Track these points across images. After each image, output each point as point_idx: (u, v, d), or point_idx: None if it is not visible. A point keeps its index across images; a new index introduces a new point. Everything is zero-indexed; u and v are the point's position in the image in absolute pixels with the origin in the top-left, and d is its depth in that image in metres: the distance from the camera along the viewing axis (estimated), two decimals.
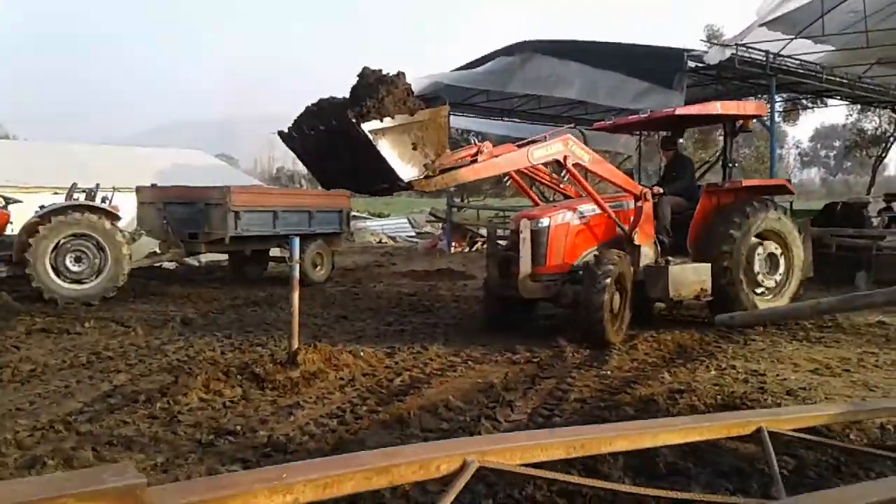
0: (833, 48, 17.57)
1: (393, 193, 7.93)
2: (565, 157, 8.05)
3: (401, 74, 6.74)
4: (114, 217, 11.18)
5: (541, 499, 3.47)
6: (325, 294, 12.30)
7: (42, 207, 11.05)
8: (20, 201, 11.60)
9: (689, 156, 10.17)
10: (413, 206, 43.20)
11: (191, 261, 15.27)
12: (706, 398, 5.41)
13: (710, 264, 8.72)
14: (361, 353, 7.13)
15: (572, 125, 21.45)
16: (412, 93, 6.83)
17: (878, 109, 26.02)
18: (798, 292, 9.48)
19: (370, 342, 8.06)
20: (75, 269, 10.65)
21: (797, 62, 16.27)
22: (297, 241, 6.75)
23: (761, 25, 15.16)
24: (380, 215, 36.65)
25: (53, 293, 10.41)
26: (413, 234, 29.01)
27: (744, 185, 9.62)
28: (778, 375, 6.40)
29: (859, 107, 26.43)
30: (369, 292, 12.68)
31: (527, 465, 1.90)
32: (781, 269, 9.33)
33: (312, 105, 6.88)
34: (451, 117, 21.53)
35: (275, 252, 14.21)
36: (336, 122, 6.47)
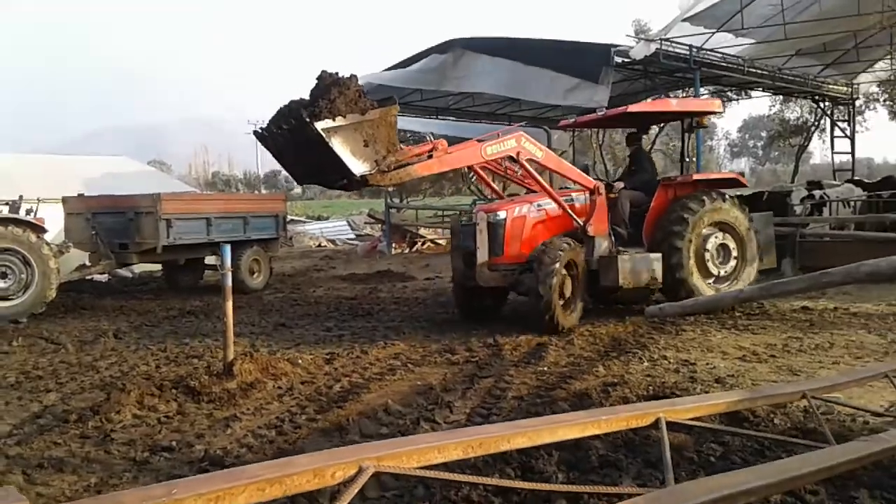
0: (754, 41, 18.15)
1: (353, 188, 8.28)
2: (518, 153, 8.44)
3: (353, 77, 7.16)
4: (39, 230, 10.85)
5: (477, 498, 3.52)
6: (262, 301, 12.17)
7: None
8: None
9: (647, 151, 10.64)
10: (352, 207, 43.00)
11: (123, 272, 14.94)
12: (638, 390, 5.56)
13: (660, 254, 9.14)
14: (300, 361, 7.11)
15: (523, 124, 21.72)
16: (364, 94, 7.22)
17: (798, 99, 26.94)
18: (753, 281, 9.77)
19: (309, 349, 8.02)
20: (2, 285, 10.31)
21: (720, 55, 16.77)
22: (228, 248, 6.66)
23: (684, 20, 15.57)
24: (319, 218, 36.35)
25: None
26: (353, 236, 28.88)
27: (696, 178, 10.07)
28: (707, 364, 6.61)
29: (781, 97, 27.31)
30: (308, 298, 12.59)
31: (424, 468, 1.94)
32: (733, 258, 9.72)
33: (284, 106, 7.19)
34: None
35: (210, 260, 13.99)
36: (294, 121, 6.92)
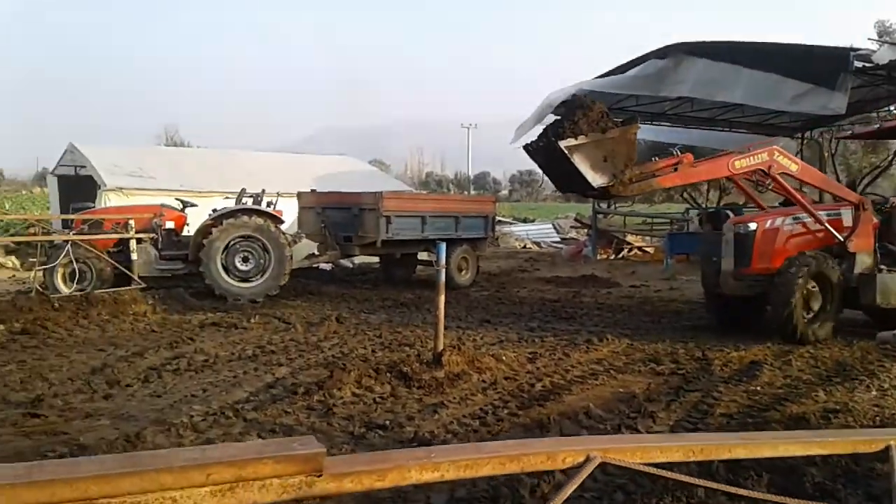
0: None
1: (600, 197, 9.87)
2: (770, 167, 8.47)
3: (596, 102, 8.10)
4: (278, 220, 12.02)
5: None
6: (469, 298, 12.59)
7: (214, 211, 12.05)
8: (195, 205, 12.67)
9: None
10: (558, 211, 43.00)
11: (345, 262, 16.07)
12: (864, 419, 5.18)
13: None
14: (504, 357, 7.32)
15: (744, 131, 20.73)
16: (607, 114, 8.03)
17: None
18: None
19: (512, 346, 8.22)
20: (243, 268, 11.54)
21: None
22: (443, 246, 7.03)
23: None
24: (525, 220, 36.75)
25: (223, 290, 11.33)
26: (558, 239, 28.88)
27: None
28: None
29: None
30: (513, 297, 12.84)
31: (646, 465, 2.01)
32: None
33: (546, 126, 8.51)
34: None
35: (422, 255, 14.71)
36: (545, 139, 7.99)
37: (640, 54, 18.28)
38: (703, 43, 17.16)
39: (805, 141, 24.32)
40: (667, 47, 17.53)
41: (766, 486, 3.81)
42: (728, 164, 8.59)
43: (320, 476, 1.55)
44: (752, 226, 9.08)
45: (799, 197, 9.13)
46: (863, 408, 5.57)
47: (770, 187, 9.04)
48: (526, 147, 8.40)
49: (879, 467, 4.03)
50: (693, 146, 21.88)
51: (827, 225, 8.92)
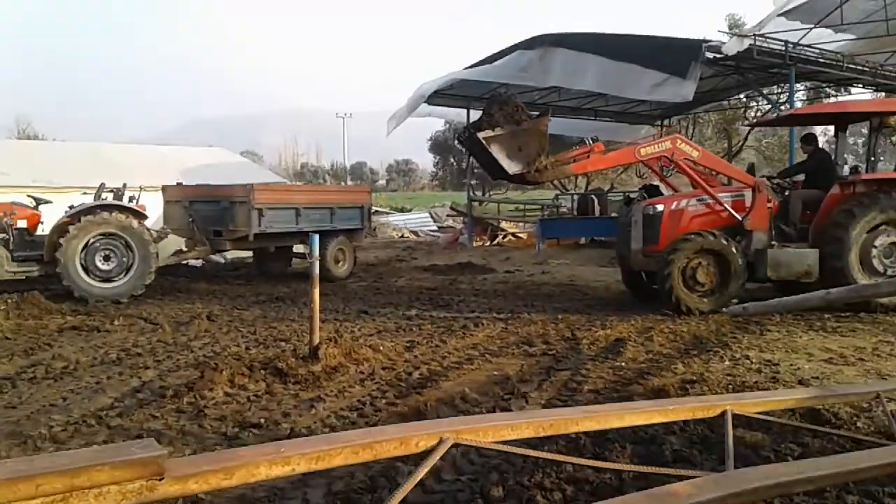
0: (854, 37, 17.43)
1: (519, 183, 10.53)
2: (673, 154, 9.57)
3: (512, 96, 9.54)
4: (141, 216, 11.46)
5: (549, 485, 3.61)
6: (346, 289, 12.51)
7: (71, 207, 11.33)
8: (50, 202, 11.88)
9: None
10: (435, 200, 43.36)
11: (216, 258, 15.57)
12: (717, 388, 5.53)
13: (817, 250, 9.39)
14: (381, 348, 7.32)
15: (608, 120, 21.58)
16: (522, 108, 9.04)
17: None
18: None
19: (390, 336, 8.24)
20: (104, 267, 10.93)
21: (817, 51, 16.17)
22: (317, 238, 6.94)
23: (780, 15, 15.11)
24: (402, 210, 36.85)
25: (84, 291, 10.70)
26: (435, 228, 29.17)
27: (871, 177, 9.82)
28: (791, 365, 6.49)
29: (883, 95, 26.09)
30: (390, 287, 12.86)
31: (499, 443, 2.07)
32: None
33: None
34: (473, 113, 21.71)
35: (298, 248, 14.46)
36: (466, 131, 9.18)
37: (509, 45, 18.70)
38: (569, 34, 17.74)
39: (664, 128, 25.61)
40: (534, 38, 18.01)
41: (629, 456, 4.01)
42: (635, 152, 9.78)
43: (161, 479, 1.49)
44: (660, 207, 9.88)
45: (699, 180, 9.90)
46: (717, 377, 5.96)
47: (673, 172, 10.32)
48: (458, 138, 9.49)
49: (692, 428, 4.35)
50: (561, 135, 22.66)
51: (726, 205, 9.69)
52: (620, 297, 11.08)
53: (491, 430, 2.00)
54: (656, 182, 12.29)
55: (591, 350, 7.33)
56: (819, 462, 2.90)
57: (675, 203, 9.93)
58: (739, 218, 9.63)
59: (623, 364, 6.66)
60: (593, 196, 21.07)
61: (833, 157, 10.38)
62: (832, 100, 23.31)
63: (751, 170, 10.36)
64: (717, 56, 14.93)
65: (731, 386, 5.61)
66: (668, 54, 15.33)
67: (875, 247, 9.37)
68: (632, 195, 14.31)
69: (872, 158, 10.26)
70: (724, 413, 2.49)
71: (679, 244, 9.31)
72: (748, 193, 9.80)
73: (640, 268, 10.24)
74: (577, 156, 9.46)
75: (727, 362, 6.64)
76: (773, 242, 9.64)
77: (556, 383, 6.10)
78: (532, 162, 8.92)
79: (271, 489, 3.86)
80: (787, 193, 10.20)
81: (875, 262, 9.38)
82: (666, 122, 26.27)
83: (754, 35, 14.66)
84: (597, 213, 19.97)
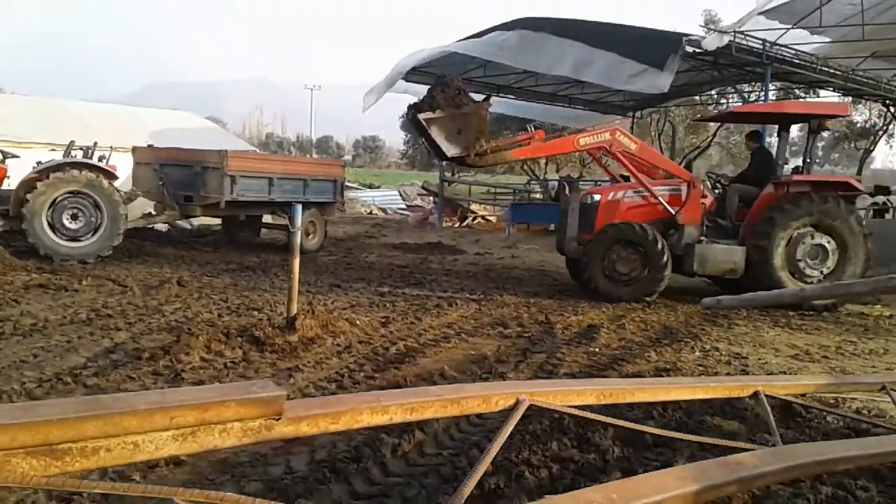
0: (830, 39, 17.74)
1: (462, 165, 10.49)
2: (611, 145, 9.70)
3: (454, 78, 9.27)
4: (111, 176, 11.23)
5: (536, 462, 3.67)
6: (317, 262, 12.44)
7: (39, 163, 11.07)
8: (17, 156, 11.57)
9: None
10: (403, 178, 43.20)
11: (183, 223, 15.36)
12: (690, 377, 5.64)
13: (743, 247, 9.57)
14: (357, 322, 7.31)
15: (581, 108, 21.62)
16: (464, 91, 9.08)
17: (868, 102, 26.29)
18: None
19: (364, 311, 8.23)
20: (72, 226, 10.70)
21: (793, 52, 16.44)
22: (299, 208, 6.89)
23: (760, 14, 15.29)
24: (370, 186, 36.67)
25: (49, 249, 10.47)
26: (404, 206, 29.11)
27: (802, 178, 9.97)
28: (760, 359, 6.65)
29: (850, 99, 26.68)
30: (361, 262, 12.83)
31: (567, 406, 2.14)
32: (831, 261, 9.58)
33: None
34: None
35: (267, 218, 14.32)
36: (410, 112, 9.01)
37: (488, 26, 18.63)
38: (549, 19, 17.75)
39: (636, 120, 25.84)
40: (514, 21, 17.96)
41: (611, 438, 4.08)
42: (574, 141, 9.92)
43: (279, 419, 1.53)
44: (597, 197, 10.19)
45: (635, 172, 10.06)
46: (689, 367, 6.09)
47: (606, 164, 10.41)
48: (405, 117, 9.32)
49: (709, 420, 4.44)
50: (535, 120, 22.72)
51: (660, 199, 9.88)
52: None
53: (560, 394, 2.07)
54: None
55: (565, 335, 7.42)
56: (862, 442, 3.11)
57: (612, 193, 10.18)
58: (673, 212, 9.82)
59: (597, 350, 6.76)
60: (565, 183, 21.22)
61: (774, 156, 10.56)
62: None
63: (689, 167, 10.78)
64: (696, 50, 15.07)
65: (702, 376, 5.74)
66: (648, 45, 15.43)
67: (801, 247, 9.52)
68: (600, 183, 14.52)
69: (808, 160, 10.44)
70: (756, 393, 2.62)
71: (599, 234, 9.65)
72: (684, 188, 9.98)
73: (573, 255, 10.34)
74: (518, 142, 9.63)
75: (698, 353, 6.79)
76: (702, 238, 9.75)
77: (532, 365, 6.16)
78: (471, 146, 9.00)
79: (253, 455, 3.83)
80: (723, 188, 10.51)
81: (800, 263, 9.54)
82: (638, 113, 26.51)
83: (734, 32, 14.82)
84: None
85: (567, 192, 19.98)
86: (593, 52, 16.08)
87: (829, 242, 9.55)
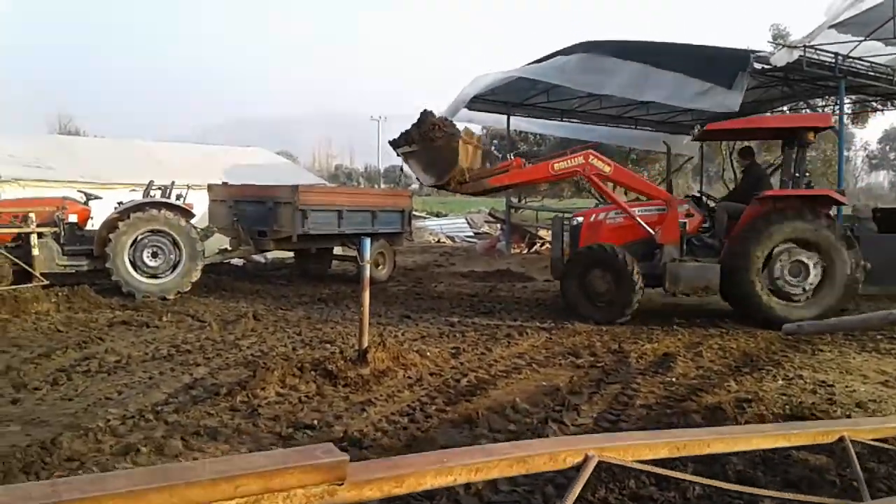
0: None
1: (441, 189, 10.79)
2: (584, 169, 10.02)
3: (429, 113, 9.83)
4: (188, 214, 11.62)
5: (613, 501, 3.59)
6: (387, 293, 12.55)
7: (121, 204, 11.53)
8: (100, 198, 12.09)
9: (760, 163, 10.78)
10: (469, 206, 43.31)
11: (257, 257, 15.72)
12: (774, 408, 5.45)
13: (718, 265, 9.56)
14: (428, 353, 7.33)
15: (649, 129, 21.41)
16: (437, 126, 9.62)
17: None
18: (845, 304, 9.50)
19: (435, 342, 8.25)
20: (152, 264, 11.09)
21: (867, 64, 15.88)
22: (367, 241, 6.96)
23: (831, 27, 14.84)
24: (437, 215, 36.90)
25: (131, 287, 10.87)
26: (471, 234, 29.14)
27: (768, 194, 9.77)
28: (847, 387, 6.37)
29: None
30: (431, 292, 12.88)
31: (638, 462, 2.08)
32: (812, 278, 9.35)
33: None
34: (512, 119, 21.68)
35: (338, 250, 14.55)
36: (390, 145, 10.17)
37: (549, 52, 18.61)
38: (610, 41, 17.62)
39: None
40: (575, 45, 17.89)
41: (691, 474, 3.96)
42: (549, 167, 10.22)
43: (342, 485, 1.54)
44: (579, 219, 10.66)
45: (611, 194, 10.77)
46: (772, 396, 5.87)
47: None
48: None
49: (794, 454, 4.27)
50: (600, 143, 22.52)
51: (639, 220, 10.09)
52: (663, 309, 10.96)
53: (631, 449, 2.02)
54: (696, 193, 12.29)
55: (639, 364, 7.26)
56: None
57: (594, 216, 10.56)
58: (652, 232, 9.96)
59: (674, 379, 6.59)
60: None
61: (766, 173, 10.46)
62: (879, 114, 22.91)
63: (670, 188, 10.75)
64: (765, 67, 14.71)
65: (787, 406, 5.52)
66: (712, 63, 15.13)
67: (779, 264, 9.34)
68: None
69: (797, 175, 10.00)
70: (841, 439, 2.49)
71: (575, 257, 10.02)
72: (664, 209, 10.11)
73: (556, 276, 10.68)
74: (497, 170, 10.23)
75: (780, 381, 6.54)
76: (674, 257, 9.79)
77: (606, 396, 6.05)
78: (443, 176, 9.77)
79: None
80: (713, 206, 10.50)
81: (779, 282, 9.36)
82: None
83: (804, 46, 14.42)
84: None
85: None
86: (657, 72, 15.86)
87: (809, 258, 9.31)
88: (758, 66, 14.55)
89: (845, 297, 9.43)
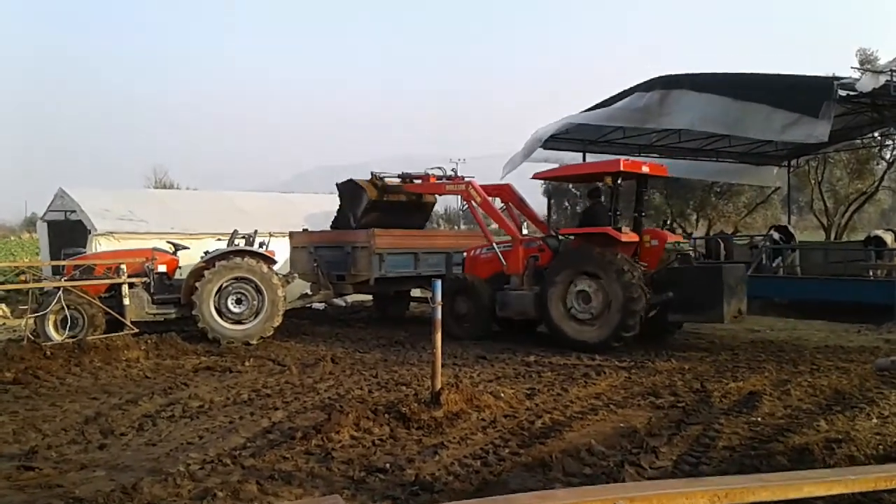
0: None
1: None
2: (467, 196, 12.39)
3: (373, 174, 13.62)
4: (270, 261, 11.95)
5: None
6: None
7: (206, 253, 11.98)
8: (188, 248, 12.61)
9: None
10: None
11: (338, 301, 16.00)
12: (867, 448, 5.13)
13: (533, 293, 11.06)
14: (502, 394, 7.26)
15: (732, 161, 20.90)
16: (361, 186, 13.29)
17: None
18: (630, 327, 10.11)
19: (510, 383, 8.17)
20: (236, 310, 11.44)
21: None
22: (438, 283, 6.99)
23: None
24: None
25: (217, 333, 11.22)
26: None
27: (569, 231, 11.52)
28: None
29: None
30: (505, 332, 12.77)
31: None
32: (595, 303, 10.40)
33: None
34: (588, 157, 21.51)
35: (415, 292, 14.67)
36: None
37: (626, 87, 18.46)
38: (690, 75, 17.34)
39: (792, 168, 24.53)
40: (653, 80, 17.69)
41: None
42: (443, 187, 13.16)
43: None
44: (465, 253, 12.75)
45: (482, 224, 12.84)
46: (865, 436, 5.53)
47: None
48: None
49: (886, 497, 4.00)
50: (680, 177, 22.06)
51: (498, 253, 11.86)
52: (751, 346, 10.56)
53: (665, 498, 1.92)
54: (784, 223, 12.02)
55: (722, 403, 6.99)
56: None
57: (474, 251, 12.60)
58: (505, 264, 11.65)
59: (759, 419, 6.31)
60: (718, 239, 20.35)
61: (599, 212, 11.12)
62: None
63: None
64: (851, 93, 14.18)
65: (882, 447, 5.20)
66: (796, 93, 14.67)
67: (570, 295, 10.57)
68: (756, 238, 13.76)
69: (603, 214, 10.98)
70: None
71: (445, 284, 10.57)
72: (550, 241, 11.34)
73: None
74: (414, 182, 13.56)
75: (875, 420, 6.17)
76: (516, 286, 11.39)
77: (687, 438, 5.84)
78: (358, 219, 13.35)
79: None
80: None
81: (571, 310, 10.54)
82: (794, 161, 25.12)
83: (891, 71, 13.85)
84: (722, 258, 19.23)
85: (723, 248, 19.21)
86: (740, 104, 15.48)
87: (589, 286, 10.37)
88: (843, 92, 14.05)
89: (626, 319, 10.11)
